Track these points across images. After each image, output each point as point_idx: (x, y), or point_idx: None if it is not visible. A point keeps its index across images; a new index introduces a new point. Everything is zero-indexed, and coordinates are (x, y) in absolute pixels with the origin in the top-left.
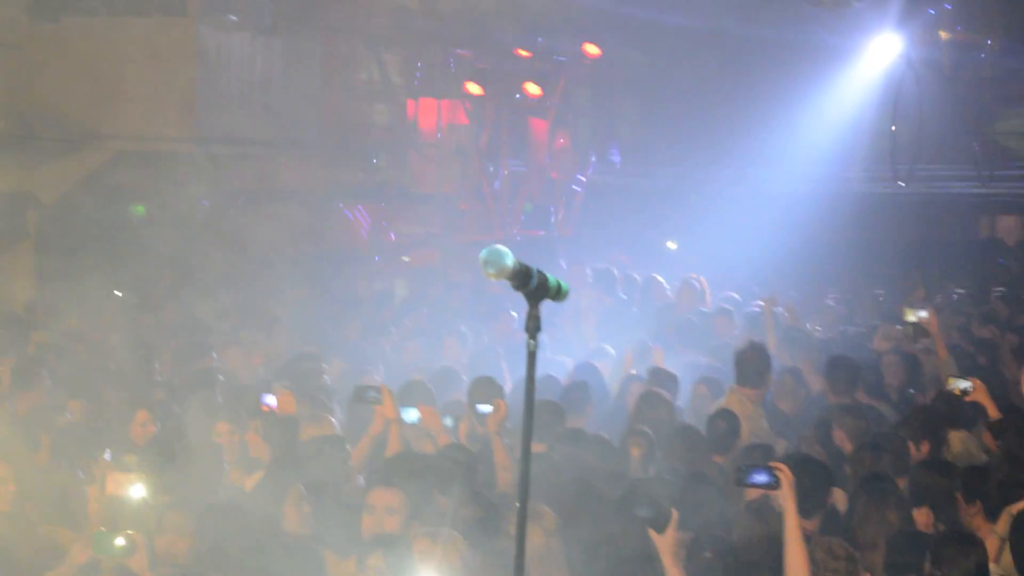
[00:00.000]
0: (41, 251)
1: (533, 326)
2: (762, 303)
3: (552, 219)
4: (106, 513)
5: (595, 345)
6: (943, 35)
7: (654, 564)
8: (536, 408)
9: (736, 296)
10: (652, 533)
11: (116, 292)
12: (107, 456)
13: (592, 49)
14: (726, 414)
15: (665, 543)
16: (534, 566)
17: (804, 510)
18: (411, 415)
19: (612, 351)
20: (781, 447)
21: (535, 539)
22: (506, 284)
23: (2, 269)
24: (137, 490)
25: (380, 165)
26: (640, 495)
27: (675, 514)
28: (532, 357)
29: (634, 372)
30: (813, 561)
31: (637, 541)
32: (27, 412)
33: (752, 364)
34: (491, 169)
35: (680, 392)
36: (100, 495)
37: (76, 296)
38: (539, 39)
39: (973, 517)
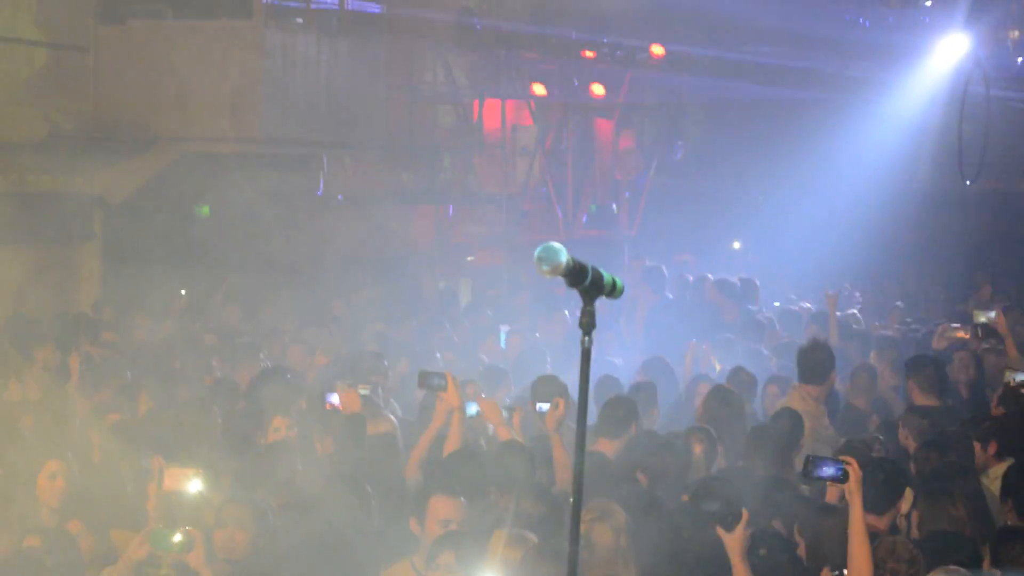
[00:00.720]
0: (107, 252)
1: (588, 323)
2: (828, 297)
3: (616, 219)
4: (163, 509)
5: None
6: (1011, 34)
7: (722, 562)
8: (610, 405)
9: (793, 297)
10: (720, 531)
11: (181, 291)
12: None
13: (658, 50)
14: (789, 412)
15: (734, 541)
16: (603, 564)
17: (875, 507)
18: (471, 408)
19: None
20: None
21: (604, 538)
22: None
23: (70, 269)
24: (194, 485)
25: (445, 166)
26: (711, 492)
27: (745, 513)
28: (587, 354)
29: (702, 371)
30: (876, 560)
31: (706, 539)
32: (91, 410)
33: (815, 361)
34: (556, 170)
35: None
36: (158, 491)
37: (141, 296)
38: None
39: None
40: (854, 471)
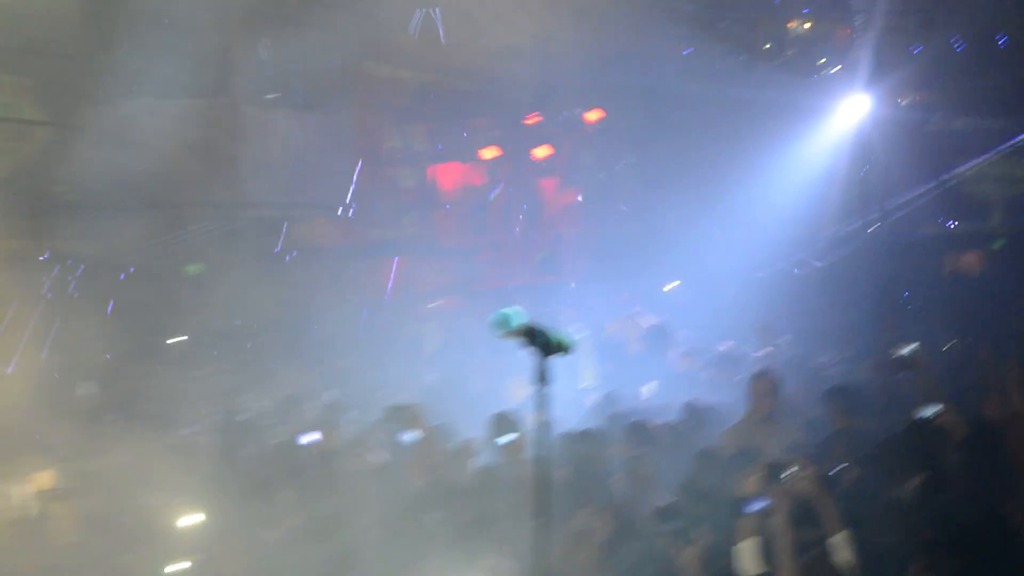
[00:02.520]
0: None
1: (542, 377)
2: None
3: (562, 267)
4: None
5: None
6: (906, 97)
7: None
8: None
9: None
10: (684, 551)
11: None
12: None
13: (594, 115)
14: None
15: (691, 556)
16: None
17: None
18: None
19: None
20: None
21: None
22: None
23: (77, 325)
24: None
25: (407, 223)
26: (674, 510)
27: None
28: (542, 404)
29: None
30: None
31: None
32: None
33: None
34: (507, 223)
35: None
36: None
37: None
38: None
39: None
40: (782, 504)
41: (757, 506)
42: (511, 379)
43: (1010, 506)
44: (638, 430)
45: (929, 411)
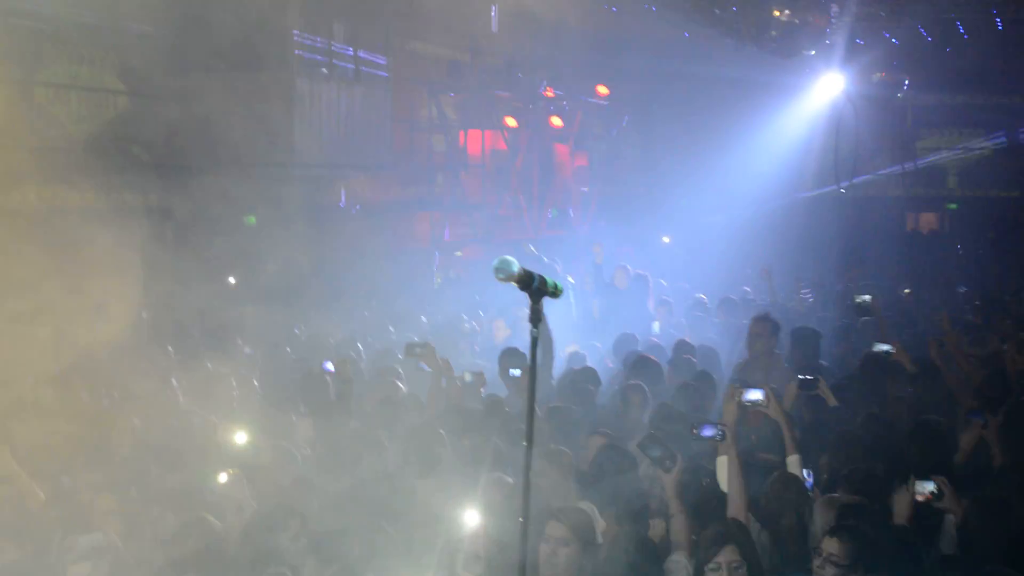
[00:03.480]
0: (177, 254)
1: (535, 318)
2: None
3: (571, 221)
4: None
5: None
6: (875, 75)
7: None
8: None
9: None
10: (660, 473)
11: (231, 280)
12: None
13: (603, 89)
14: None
15: (670, 481)
16: (552, 493)
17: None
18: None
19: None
20: None
21: (553, 474)
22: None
23: (150, 268)
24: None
25: (439, 182)
26: (654, 440)
27: (679, 457)
28: (535, 343)
29: None
30: (770, 490)
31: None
32: None
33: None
34: (524, 183)
35: None
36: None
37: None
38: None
39: None
40: (729, 431)
41: (708, 432)
42: (495, 321)
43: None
44: (638, 362)
45: (882, 349)
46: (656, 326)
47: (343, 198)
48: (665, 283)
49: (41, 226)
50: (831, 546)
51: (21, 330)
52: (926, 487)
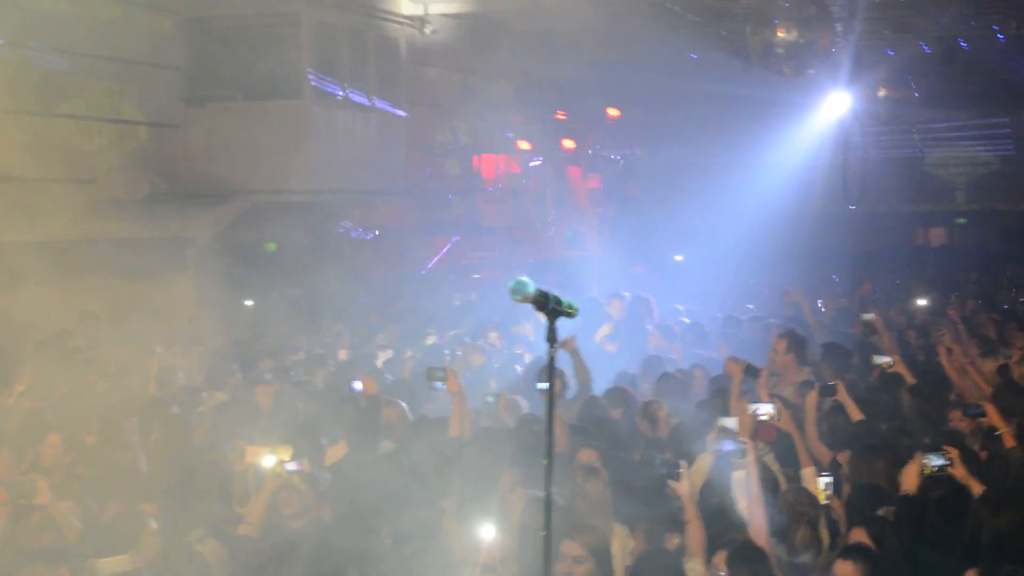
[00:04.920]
0: (199, 281)
1: (552, 337)
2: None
3: (586, 242)
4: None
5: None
6: (880, 92)
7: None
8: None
9: (680, 307)
10: (671, 483)
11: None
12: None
13: (613, 111)
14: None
15: (683, 488)
16: (593, 510)
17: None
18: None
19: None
20: None
21: (595, 489)
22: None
23: (170, 295)
24: (268, 460)
25: (454, 205)
26: (652, 459)
27: (684, 464)
28: (552, 362)
29: None
30: (785, 504)
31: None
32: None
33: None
34: (539, 205)
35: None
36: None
37: (226, 314)
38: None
39: None
40: (750, 449)
41: (729, 447)
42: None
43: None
44: (663, 379)
45: (882, 361)
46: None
47: (359, 224)
48: (681, 307)
49: (65, 257)
50: (844, 570)
51: (52, 358)
52: (934, 460)
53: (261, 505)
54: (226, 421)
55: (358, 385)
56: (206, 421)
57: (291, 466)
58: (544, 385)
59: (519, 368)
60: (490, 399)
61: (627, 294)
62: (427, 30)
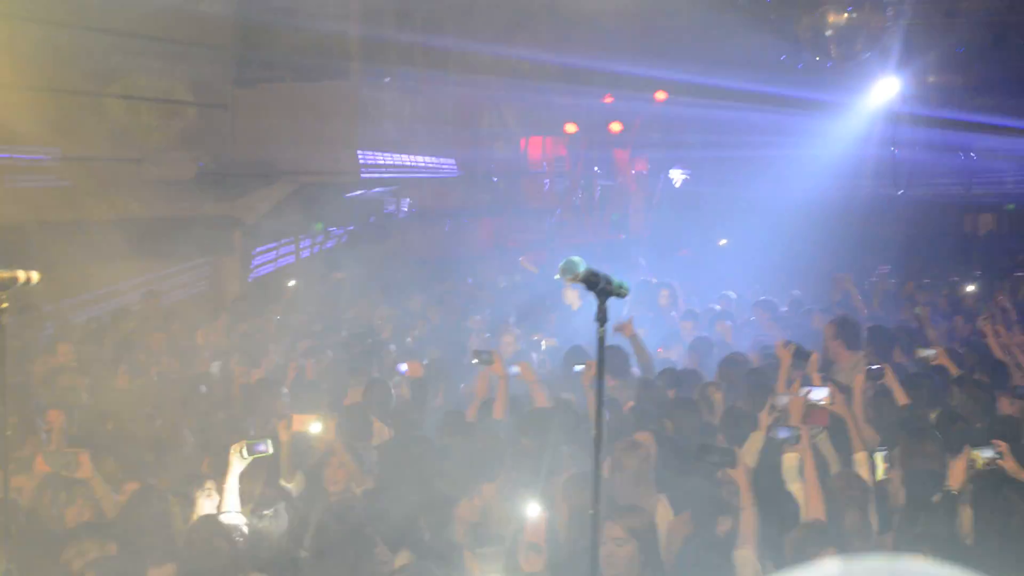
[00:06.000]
0: (246, 261)
1: (601, 317)
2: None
3: (632, 224)
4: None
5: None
6: (930, 78)
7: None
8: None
9: (732, 294)
10: (729, 471)
11: (289, 284)
12: None
13: (660, 95)
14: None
15: (739, 475)
16: (630, 485)
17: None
18: (513, 369)
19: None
20: None
21: (631, 463)
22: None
23: (216, 275)
24: (316, 426)
25: (500, 187)
26: (708, 448)
27: (738, 449)
28: (602, 341)
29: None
30: (835, 489)
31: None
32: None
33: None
34: (585, 188)
35: None
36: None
37: (272, 292)
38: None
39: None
40: (804, 433)
41: (784, 434)
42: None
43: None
44: (724, 363)
45: (926, 354)
46: (686, 329)
47: (406, 204)
48: (734, 295)
49: (112, 236)
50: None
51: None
52: (984, 453)
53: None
54: (267, 395)
55: (404, 368)
56: (247, 397)
57: (261, 447)
58: (580, 367)
59: (535, 356)
60: (514, 368)
61: (654, 280)
62: (476, 13)
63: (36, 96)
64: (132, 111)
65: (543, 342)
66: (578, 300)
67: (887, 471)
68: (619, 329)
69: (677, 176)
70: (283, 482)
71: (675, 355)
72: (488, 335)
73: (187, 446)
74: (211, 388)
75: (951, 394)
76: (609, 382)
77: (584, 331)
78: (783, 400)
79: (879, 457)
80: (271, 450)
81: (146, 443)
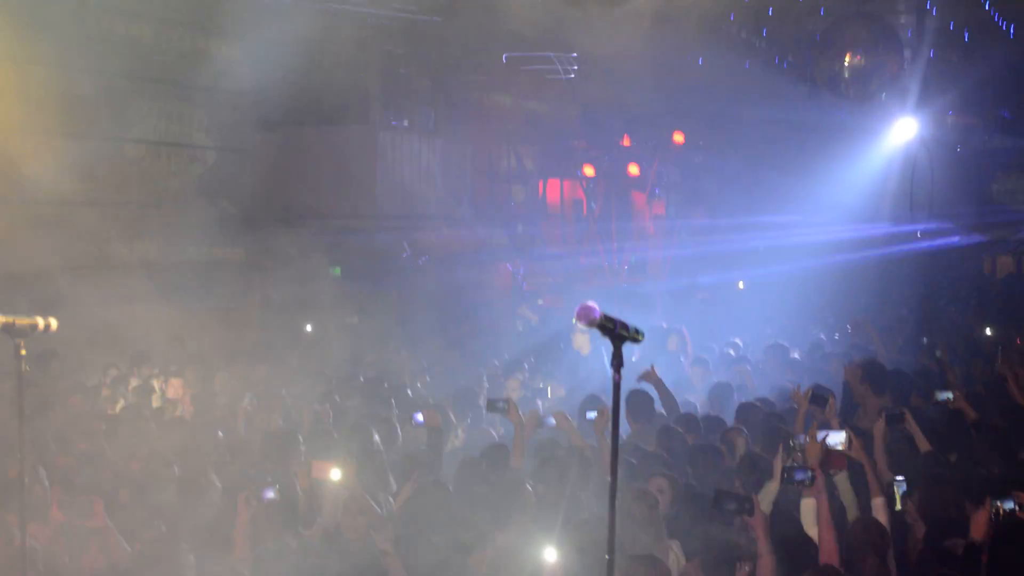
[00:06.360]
0: (264, 305)
1: (617, 363)
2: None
3: (650, 269)
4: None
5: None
6: (949, 118)
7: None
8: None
9: (739, 340)
10: (746, 519)
11: (307, 327)
12: None
13: (678, 137)
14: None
15: (756, 522)
16: (641, 530)
17: None
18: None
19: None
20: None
21: (640, 511)
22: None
23: (237, 319)
24: (335, 473)
25: (518, 231)
26: (725, 496)
27: (755, 497)
28: (617, 387)
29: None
30: (852, 538)
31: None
32: None
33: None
34: (603, 232)
35: None
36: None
37: (291, 336)
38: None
39: None
40: (819, 475)
41: (799, 476)
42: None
43: None
44: (741, 410)
45: (944, 397)
46: (696, 375)
47: (424, 248)
48: (740, 341)
49: (134, 279)
50: None
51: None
52: (1005, 504)
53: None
54: (285, 442)
55: (420, 418)
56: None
57: (269, 494)
58: (592, 414)
59: (540, 403)
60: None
61: (664, 325)
62: (493, 58)
63: (57, 141)
64: (153, 156)
65: (549, 389)
66: (588, 345)
67: (902, 500)
68: (644, 377)
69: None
70: (302, 529)
71: (693, 399)
72: (503, 378)
73: (212, 491)
74: (228, 434)
75: (970, 439)
76: (632, 426)
77: (594, 377)
78: (801, 440)
79: (896, 487)
80: (278, 496)
81: (168, 490)
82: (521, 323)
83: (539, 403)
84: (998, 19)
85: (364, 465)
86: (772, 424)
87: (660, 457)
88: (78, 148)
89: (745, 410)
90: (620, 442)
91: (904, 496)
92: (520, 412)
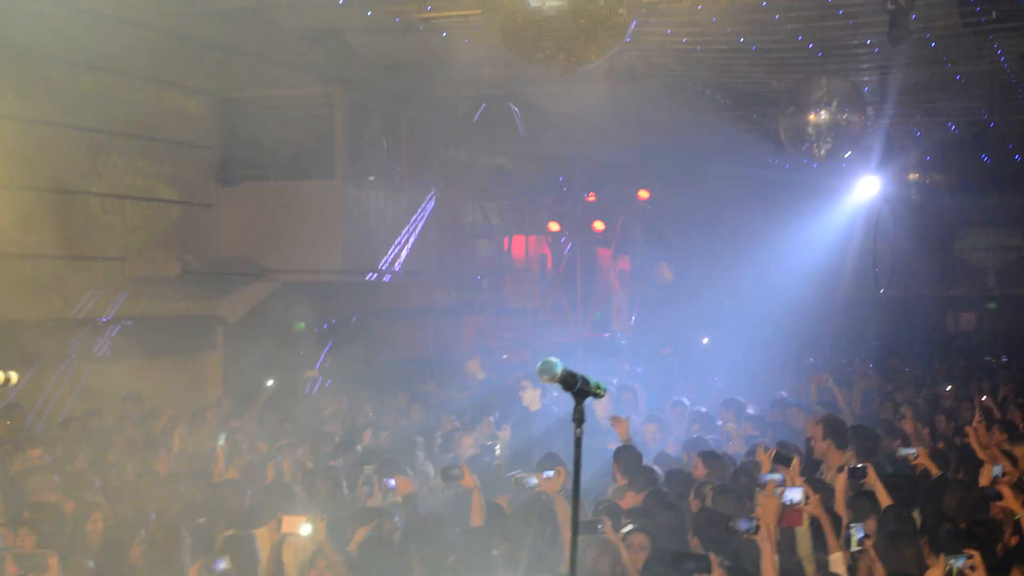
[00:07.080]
0: (228, 360)
1: (578, 418)
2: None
3: (614, 324)
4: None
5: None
6: (911, 176)
7: None
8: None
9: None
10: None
11: (268, 383)
12: None
13: (643, 193)
14: None
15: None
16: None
17: None
18: (532, 480)
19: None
20: None
21: (603, 567)
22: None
23: (198, 374)
24: (305, 529)
25: (483, 286)
26: (682, 555)
27: (713, 557)
28: (579, 442)
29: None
30: None
31: None
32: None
33: None
34: (568, 287)
35: None
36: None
37: (252, 391)
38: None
39: None
40: (764, 524)
41: (743, 525)
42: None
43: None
44: (708, 457)
45: (907, 453)
46: (649, 432)
47: (389, 302)
48: (687, 401)
49: (95, 335)
50: None
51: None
52: (957, 562)
53: None
54: (236, 497)
55: (393, 483)
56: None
57: (220, 565)
58: (550, 473)
59: (486, 459)
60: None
61: (615, 381)
62: (459, 112)
63: (18, 194)
64: (116, 209)
65: (496, 447)
66: (538, 402)
67: (859, 543)
68: (624, 437)
69: (661, 274)
70: None
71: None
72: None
73: (183, 546)
74: (187, 489)
75: (936, 494)
76: (619, 482)
77: (541, 436)
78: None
79: (854, 529)
80: (229, 566)
81: (129, 545)
82: (469, 379)
83: (486, 459)
84: (959, 79)
85: (333, 518)
86: (737, 479)
87: (645, 511)
88: (39, 200)
89: (712, 462)
90: (602, 500)
91: (861, 540)
92: (472, 475)
